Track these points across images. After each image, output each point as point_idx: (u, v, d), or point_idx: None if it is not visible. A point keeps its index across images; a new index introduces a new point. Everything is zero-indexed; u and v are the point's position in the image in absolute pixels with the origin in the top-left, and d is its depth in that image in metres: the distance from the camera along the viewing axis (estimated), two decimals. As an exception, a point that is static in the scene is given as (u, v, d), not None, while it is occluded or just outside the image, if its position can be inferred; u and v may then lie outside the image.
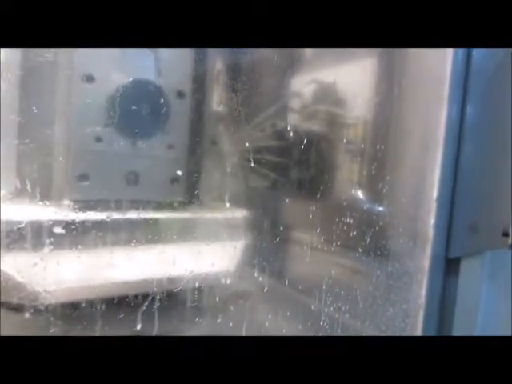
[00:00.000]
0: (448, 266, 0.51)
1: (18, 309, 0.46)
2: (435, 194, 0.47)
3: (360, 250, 0.54)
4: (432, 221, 0.47)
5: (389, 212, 0.52)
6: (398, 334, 0.49)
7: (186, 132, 0.59)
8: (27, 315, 0.46)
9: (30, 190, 0.53)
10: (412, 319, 0.49)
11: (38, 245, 0.46)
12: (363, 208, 0.55)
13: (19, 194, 0.53)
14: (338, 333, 0.53)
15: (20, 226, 0.45)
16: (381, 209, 0.53)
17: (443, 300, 0.51)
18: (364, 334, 0.52)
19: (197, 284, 0.51)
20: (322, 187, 0.60)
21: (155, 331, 0.48)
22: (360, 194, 0.56)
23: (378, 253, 0.53)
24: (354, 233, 0.55)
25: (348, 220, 0.55)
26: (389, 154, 0.55)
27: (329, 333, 0.55)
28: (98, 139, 0.51)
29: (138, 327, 0.47)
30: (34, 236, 0.46)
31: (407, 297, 0.50)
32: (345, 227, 0.56)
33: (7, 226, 0.45)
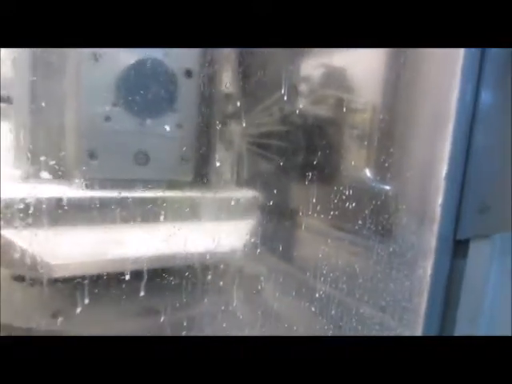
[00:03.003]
0: (456, 248, 0.51)
1: (31, 281, 0.48)
2: (444, 172, 0.46)
3: (366, 230, 0.54)
4: (440, 200, 0.47)
5: (396, 191, 0.52)
6: (402, 315, 0.49)
7: (195, 111, 0.59)
8: (40, 287, 0.47)
9: (42, 169, 0.55)
10: (417, 299, 0.49)
11: (50, 221, 0.47)
12: (370, 188, 0.54)
13: (33, 172, 0.55)
14: (342, 313, 0.54)
15: (33, 203, 0.47)
16: (388, 188, 0.52)
17: (449, 282, 0.50)
18: (368, 314, 0.52)
19: (204, 261, 0.52)
20: (328, 169, 0.60)
21: (162, 307, 0.49)
22: (367, 174, 0.55)
23: (385, 233, 0.52)
24: (360, 213, 0.54)
25: (354, 200, 0.55)
26: (397, 133, 0.54)
27: (333, 313, 0.55)
28: (107, 118, 0.52)
29: (145, 302, 0.48)
30: (47, 212, 0.47)
31: (413, 278, 0.50)
32: (351, 208, 0.55)
33: (22, 203, 0.47)
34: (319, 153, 0.61)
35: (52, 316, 0.48)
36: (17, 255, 0.45)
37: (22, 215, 0.46)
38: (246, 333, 0.55)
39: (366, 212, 0.53)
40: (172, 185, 0.55)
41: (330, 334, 0.54)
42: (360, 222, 0.54)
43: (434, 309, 0.50)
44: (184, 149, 0.58)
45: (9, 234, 0.45)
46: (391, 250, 0.51)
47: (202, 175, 0.60)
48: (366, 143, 0.59)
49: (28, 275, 0.47)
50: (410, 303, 0.50)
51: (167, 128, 0.56)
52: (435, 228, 0.48)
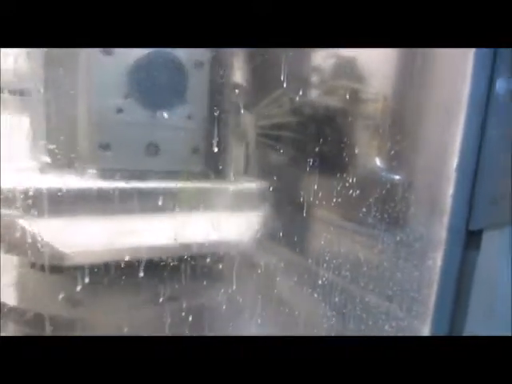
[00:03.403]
0: (468, 239, 0.50)
1: (46, 269, 0.50)
2: (455, 162, 0.46)
3: (377, 221, 0.54)
4: (451, 191, 0.46)
5: (407, 181, 0.51)
6: (411, 306, 0.49)
7: (206, 103, 0.59)
8: (55, 275, 0.49)
9: (57, 161, 0.56)
10: (427, 290, 0.49)
11: (64, 211, 0.49)
12: (381, 178, 0.54)
13: (48, 164, 0.57)
14: (353, 304, 0.54)
15: (48, 193, 0.48)
16: (399, 178, 0.52)
17: (461, 273, 0.50)
18: (376, 304, 0.52)
19: (214, 252, 0.53)
20: (339, 160, 0.59)
21: (173, 296, 0.50)
22: (378, 164, 0.55)
23: (396, 224, 0.52)
24: (371, 204, 0.54)
25: (365, 191, 0.55)
26: (408, 123, 0.53)
27: (343, 303, 0.55)
28: (119, 110, 0.53)
29: (156, 291, 0.49)
30: (61, 203, 0.49)
31: (423, 269, 0.49)
32: (362, 199, 0.55)
33: (38, 193, 0.48)
34: (330, 144, 0.61)
35: (66, 303, 0.50)
36: (32, 244, 0.46)
37: (37, 205, 0.48)
38: (255, 322, 0.56)
39: (377, 202, 0.53)
40: (183, 176, 0.56)
41: (338, 325, 0.55)
42: (371, 212, 0.54)
43: (445, 300, 0.50)
44: (194, 140, 0.58)
45: (25, 223, 0.47)
46: (402, 240, 0.51)
47: (212, 166, 0.60)
48: (376, 133, 0.59)
49: (43, 263, 0.48)
50: (422, 295, 0.50)
51: (178, 120, 0.57)
52: (447, 219, 0.48)
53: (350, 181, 0.56)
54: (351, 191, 0.55)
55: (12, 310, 0.49)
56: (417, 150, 0.51)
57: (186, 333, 0.50)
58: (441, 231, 0.48)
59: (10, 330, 0.49)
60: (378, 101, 0.62)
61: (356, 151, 0.59)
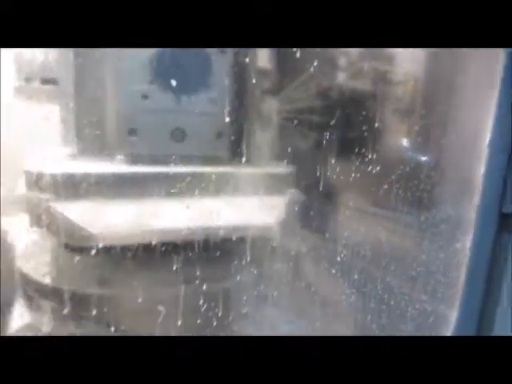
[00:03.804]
0: (501, 221, 0.48)
1: (78, 250, 0.51)
2: (487, 139, 0.43)
3: (405, 203, 0.52)
4: (483, 169, 0.44)
5: (436, 161, 0.49)
6: (437, 289, 0.48)
7: (230, 87, 0.59)
8: (86, 255, 0.51)
9: (86, 147, 0.58)
10: (455, 274, 0.47)
11: (94, 194, 0.50)
12: (409, 159, 0.53)
13: (79, 151, 0.59)
14: (375, 285, 0.53)
15: (79, 177, 0.50)
16: (428, 158, 0.50)
17: (492, 257, 0.48)
18: (400, 286, 0.51)
19: (238, 235, 0.53)
20: (366, 143, 0.58)
21: (196, 277, 0.51)
22: (407, 145, 0.53)
23: (425, 205, 0.51)
24: (399, 186, 0.53)
25: (393, 173, 0.53)
26: (438, 101, 0.52)
27: (368, 288, 0.54)
28: (144, 96, 0.54)
29: (180, 272, 0.50)
30: (91, 186, 0.50)
31: (452, 252, 0.48)
32: (390, 181, 0.54)
33: (69, 178, 0.50)
34: (356, 127, 0.60)
35: (97, 282, 0.51)
36: (66, 226, 0.48)
37: (69, 189, 0.50)
38: (279, 304, 0.56)
39: (404, 184, 0.52)
40: (208, 160, 0.57)
41: (359, 305, 0.54)
42: (398, 194, 0.53)
43: (474, 285, 0.48)
44: (219, 125, 0.59)
45: (56, 205, 0.48)
46: (430, 222, 0.49)
47: (237, 151, 0.60)
48: (404, 114, 0.57)
49: (73, 244, 0.50)
50: (449, 278, 0.48)
51: (203, 105, 0.57)
52: (478, 200, 0.46)
53: (377, 164, 0.55)
54: (378, 174, 0.54)
55: (44, 287, 0.51)
56: (446, 128, 0.49)
57: (209, 312, 0.50)
58: (471, 213, 0.46)
59: (44, 307, 0.51)
60: (406, 81, 0.61)
61: (383, 134, 0.58)
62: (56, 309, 0.51)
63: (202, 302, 0.52)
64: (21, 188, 0.54)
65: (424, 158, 0.50)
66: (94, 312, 0.50)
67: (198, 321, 0.51)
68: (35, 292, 0.52)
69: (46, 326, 0.51)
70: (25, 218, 0.53)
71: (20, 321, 0.52)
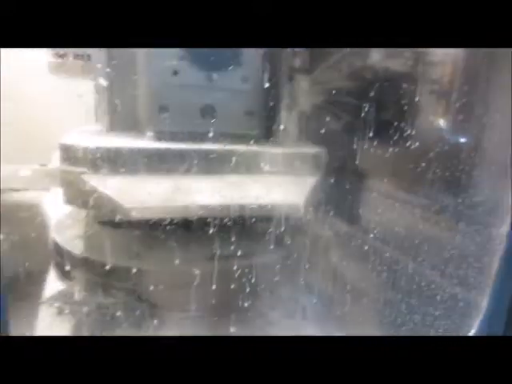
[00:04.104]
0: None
1: (110, 223, 0.53)
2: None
3: (440, 186, 0.51)
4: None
5: (475, 143, 0.48)
6: (471, 274, 0.47)
7: (261, 65, 0.58)
8: (119, 229, 0.52)
9: (119, 123, 0.59)
10: (490, 259, 0.46)
11: (127, 169, 0.51)
12: (446, 141, 0.51)
13: (111, 127, 0.59)
14: (409, 272, 0.52)
15: (112, 153, 0.50)
16: (465, 140, 0.49)
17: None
18: (436, 273, 0.50)
19: (265, 214, 0.53)
20: (403, 125, 0.56)
21: (222, 254, 0.51)
22: (444, 127, 0.52)
23: (461, 188, 0.49)
24: (434, 169, 0.51)
25: (428, 155, 0.52)
26: (476, 81, 0.49)
27: (393, 274, 0.54)
28: (175, 72, 0.54)
29: (207, 248, 0.51)
30: (124, 162, 0.51)
31: (489, 237, 0.46)
32: (424, 163, 0.52)
33: (103, 152, 0.50)
34: (391, 109, 0.58)
35: (128, 255, 0.53)
36: (100, 200, 0.49)
37: (102, 163, 0.50)
38: (302, 284, 0.56)
39: (442, 166, 0.50)
40: (237, 138, 0.56)
41: (384, 289, 0.53)
42: (434, 177, 0.51)
43: (509, 272, 0.47)
44: (249, 103, 0.58)
45: (92, 180, 0.49)
46: (468, 205, 0.48)
47: (266, 129, 0.60)
48: (443, 94, 0.55)
49: (105, 217, 0.51)
50: (482, 263, 0.47)
51: (233, 82, 0.57)
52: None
53: (412, 146, 0.53)
54: (412, 156, 0.53)
55: (76, 258, 0.52)
56: (485, 109, 0.47)
57: (235, 289, 0.51)
58: (509, 197, 0.45)
59: (76, 277, 0.53)
60: (444, 61, 0.58)
61: (419, 115, 0.56)
62: (87, 279, 0.53)
63: (227, 278, 0.52)
64: (55, 162, 0.55)
65: (462, 140, 0.48)
66: (125, 284, 0.52)
67: (224, 297, 0.52)
68: (68, 262, 0.53)
69: (77, 295, 0.53)
70: (59, 192, 0.54)
71: (54, 288, 0.54)
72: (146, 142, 0.54)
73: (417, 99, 0.58)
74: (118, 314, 0.51)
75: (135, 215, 0.49)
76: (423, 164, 0.52)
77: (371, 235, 0.57)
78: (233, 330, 0.52)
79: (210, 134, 0.54)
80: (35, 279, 0.56)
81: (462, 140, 0.49)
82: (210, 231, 0.51)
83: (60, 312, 0.53)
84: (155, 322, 0.51)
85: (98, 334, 0.50)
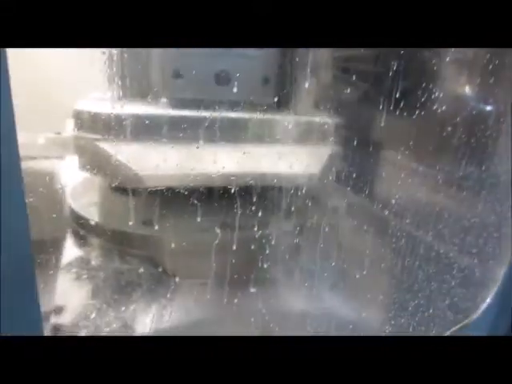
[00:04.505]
0: None
1: (125, 191, 0.53)
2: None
3: (461, 158, 0.49)
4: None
5: (499, 111, 0.46)
6: (490, 244, 0.46)
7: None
8: (132, 196, 0.52)
9: (133, 89, 0.58)
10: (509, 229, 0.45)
11: (140, 137, 0.50)
12: (469, 110, 0.49)
13: (125, 94, 0.58)
14: (429, 240, 0.51)
15: (126, 120, 0.50)
16: (490, 108, 0.47)
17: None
18: (455, 241, 0.49)
19: (279, 183, 0.53)
20: (420, 96, 0.54)
21: (235, 223, 0.51)
22: (467, 94, 0.49)
23: (483, 161, 0.48)
24: (455, 140, 0.50)
25: (449, 125, 0.50)
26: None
27: (404, 249, 0.53)
28: (191, 36, 0.52)
29: (220, 216, 0.51)
30: (138, 129, 0.50)
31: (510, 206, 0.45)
32: (445, 134, 0.51)
33: (117, 119, 0.50)
34: (411, 77, 0.56)
35: (142, 222, 0.53)
36: (114, 167, 0.49)
37: (117, 131, 0.50)
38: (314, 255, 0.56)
39: (465, 134, 0.48)
40: (253, 106, 0.55)
41: (412, 256, 0.53)
42: (459, 144, 0.49)
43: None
44: (266, 70, 0.57)
45: (104, 145, 0.49)
46: (491, 173, 0.46)
47: (283, 97, 0.58)
48: (465, 62, 0.52)
49: (122, 185, 0.51)
50: (502, 234, 0.46)
51: (249, 48, 0.55)
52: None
53: (434, 115, 0.51)
54: (435, 124, 0.51)
55: (92, 224, 0.53)
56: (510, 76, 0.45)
57: (246, 259, 0.51)
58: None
59: (93, 243, 0.53)
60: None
61: (442, 83, 0.54)
62: (103, 245, 0.53)
63: (237, 247, 0.52)
64: (70, 129, 0.55)
65: (486, 107, 0.46)
66: (140, 251, 0.52)
67: (239, 265, 0.52)
68: (84, 229, 0.54)
69: (94, 261, 0.53)
70: (74, 160, 0.54)
71: (72, 254, 0.55)
72: (160, 109, 0.54)
73: (439, 66, 0.56)
74: (134, 279, 0.52)
75: (149, 183, 0.49)
76: (445, 133, 0.50)
77: (390, 204, 0.56)
78: (250, 294, 0.52)
79: (225, 102, 0.53)
80: (53, 246, 0.57)
81: (486, 107, 0.47)
82: (225, 199, 0.50)
83: (78, 277, 0.54)
84: (171, 288, 0.52)
85: (114, 298, 0.51)
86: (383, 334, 0.55)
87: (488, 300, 0.44)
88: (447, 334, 0.49)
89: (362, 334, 0.53)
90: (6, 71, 0.28)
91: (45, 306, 0.49)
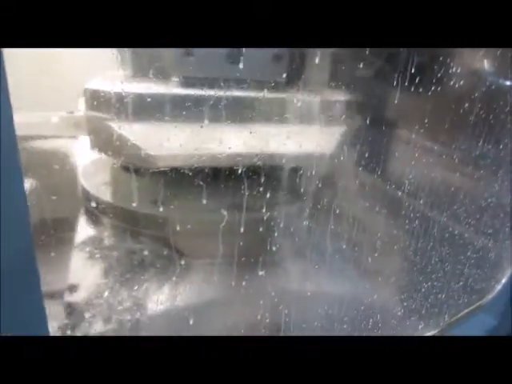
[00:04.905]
0: None
1: (138, 171, 0.53)
2: None
3: (478, 135, 0.48)
4: None
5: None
6: (507, 223, 0.45)
7: (289, 7, 0.55)
8: (143, 176, 0.52)
9: (143, 69, 0.57)
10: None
11: (151, 116, 0.50)
12: (490, 84, 0.47)
13: (136, 72, 0.58)
14: (444, 219, 0.50)
15: (136, 99, 0.50)
16: (509, 83, 0.45)
17: None
18: (471, 221, 0.48)
19: (290, 163, 0.52)
20: (436, 71, 0.53)
21: (246, 204, 0.51)
22: (485, 68, 0.48)
23: (501, 137, 0.46)
24: (471, 118, 0.48)
25: (465, 101, 0.49)
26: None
27: (418, 230, 0.52)
28: (201, 13, 0.51)
29: (231, 197, 0.50)
30: (149, 108, 0.50)
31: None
32: (461, 111, 0.49)
33: (127, 99, 0.50)
34: (426, 54, 0.54)
35: (154, 202, 0.53)
36: (126, 147, 0.49)
37: (125, 110, 0.50)
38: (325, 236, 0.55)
39: (479, 114, 0.47)
40: (264, 85, 0.54)
41: (425, 236, 0.52)
42: (471, 126, 0.48)
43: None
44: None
45: (114, 125, 0.49)
46: (507, 157, 0.45)
47: (295, 76, 0.57)
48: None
49: (133, 165, 0.51)
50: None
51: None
52: None
53: (452, 91, 0.50)
54: (453, 101, 0.49)
55: (106, 205, 0.53)
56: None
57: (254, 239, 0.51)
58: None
59: (105, 223, 0.54)
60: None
61: (459, 57, 0.52)
62: (115, 225, 0.54)
63: (247, 228, 0.52)
64: (81, 109, 0.55)
65: (507, 82, 0.45)
66: (152, 231, 0.53)
67: (249, 245, 0.52)
68: (96, 209, 0.54)
69: (107, 240, 0.54)
70: (86, 139, 0.54)
71: (85, 234, 0.55)
72: (172, 88, 0.53)
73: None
74: (146, 259, 0.52)
75: (161, 163, 0.49)
76: (461, 110, 0.49)
77: (406, 183, 0.55)
78: (258, 275, 0.52)
79: (235, 80, 0.52)
80: (67, 225, 0.57)
81: (506, 82, 0.45)
82: (236, 180, 0.50)
83: (91, 256, 0.55)
84: (182, 266, 0.52)
85: (126, 276, 0.51)
86: (383, 334, 0.54)
87: (503, 281, 0.43)
88: (460, 315, 0.48)
89: (361, 335, 0.53)
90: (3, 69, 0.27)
91: (60, 284, 0.50)
